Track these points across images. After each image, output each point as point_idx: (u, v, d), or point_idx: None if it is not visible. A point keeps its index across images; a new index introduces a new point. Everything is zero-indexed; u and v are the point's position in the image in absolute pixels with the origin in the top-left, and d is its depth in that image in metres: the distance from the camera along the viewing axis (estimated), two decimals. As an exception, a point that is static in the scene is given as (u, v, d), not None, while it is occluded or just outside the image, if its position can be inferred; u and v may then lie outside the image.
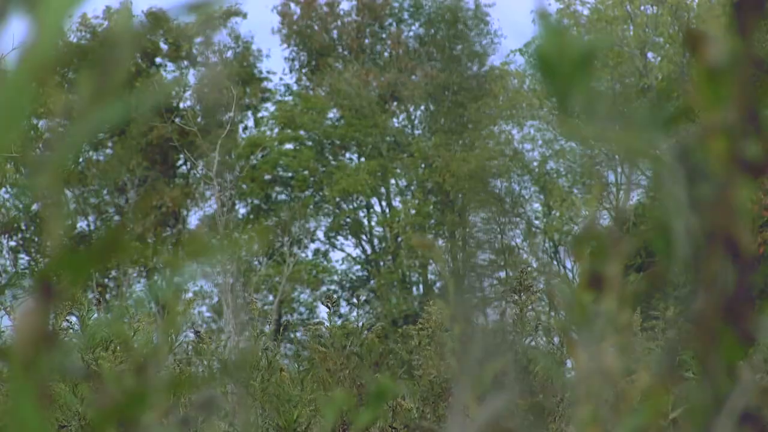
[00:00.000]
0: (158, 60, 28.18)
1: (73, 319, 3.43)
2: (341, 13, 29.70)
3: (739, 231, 0.66)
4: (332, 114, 29.18)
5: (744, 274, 0.66)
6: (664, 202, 0.67)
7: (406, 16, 29.82)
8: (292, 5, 29.71)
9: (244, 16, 28.79)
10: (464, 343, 1.03)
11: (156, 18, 25.36)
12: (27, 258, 24.39)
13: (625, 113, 0.67)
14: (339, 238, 29.52)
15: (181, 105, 25.68)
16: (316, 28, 29.63)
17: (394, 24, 29.82)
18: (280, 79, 33.40)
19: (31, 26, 0.60)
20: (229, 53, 28.58)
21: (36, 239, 24.55)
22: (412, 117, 29.00)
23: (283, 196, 29.02)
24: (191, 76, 26.85)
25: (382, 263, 28.44)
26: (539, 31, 0.67)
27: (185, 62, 27.59)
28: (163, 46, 27.93)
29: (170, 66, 28.26)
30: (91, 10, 26.96)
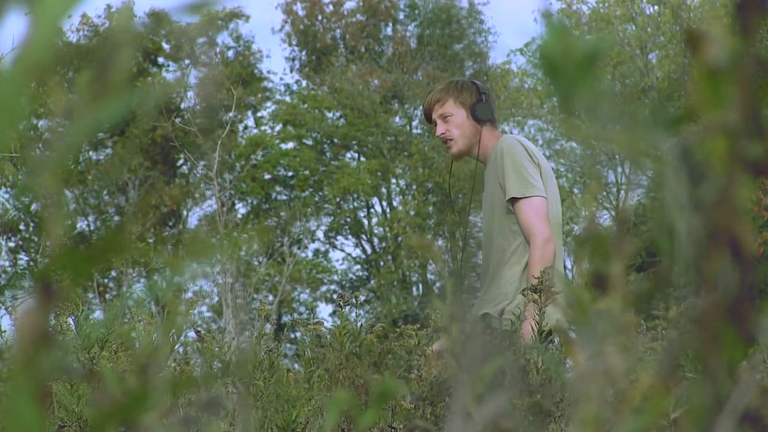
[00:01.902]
0: (160, 60, 28.19)
1: (71, 319, 3.43)
2: (345, 12, 29.72)
3: (740, 231, 0.66)
4: (333, 113, 29.19)
5: (745, 274, 0.66)
6: (665, 202, 0.67)
7: (401, 16, 29.85)
8: (295, 5, 29.72)
9: (247, 18, 28.81)
10: (463, 342, 1.03)
11: (158, 18, 25.35)
12: (26, 258, 24.40)
13: (627, 113, 0.67)
14: (339, 238, 29.54)
15: (182, 105, 25.69)
16: (319, 27, 29.64)
17: (391, 24, 29.85)
18: (281, 78, 33.45)
19: (30, 26, 0.60)
20: (231, 53, 28.60)
21: (35, 239, 24.56)
22: (412, 117, 29.00)
23: (283, 196, 29.03)
24: (192, 77, 26.88)
25: (382, 263, 28.46)
26: (543, 30, 0.67)
27: (187, 62, 27.61)
28: (165, 46, 27.95)
29: (172, 66, 28.29)
30: (93, 10, 26.97)
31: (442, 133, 4.22)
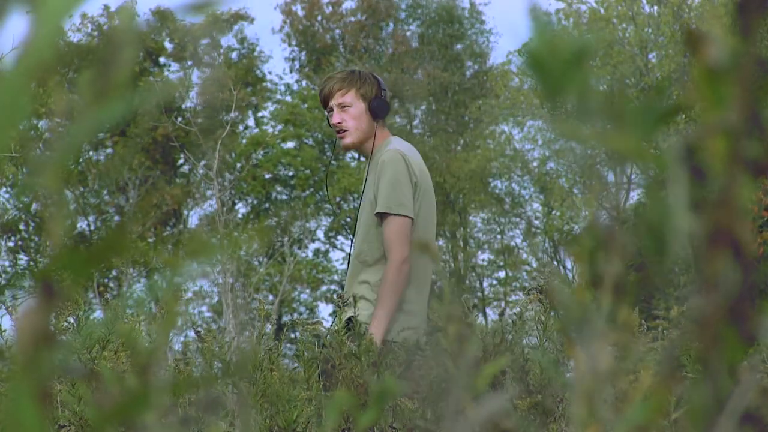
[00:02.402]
0: (162, 60, 28.19)
1: (72, 319, 3.44)
2: (344, 12, 29.72)
3: (740, 231, 0.66)
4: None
5: (745, 274, 0.66)
6: (664, 201, 0.67)
7: (402, 15, 29.85)
8: (294, 6, 29.73)
9: (251, 21, 28.78)
10: (461, 342, 1.03)
11: (162, 17, 25.35)
12: (26, 258, 24.41)
13: (619, 111, 0.67)
14: (339, 237, 29.54)
15: (184, 105, 25.71)
16: (318, 27, 29.64)
17: (392, 24, 29.85)
18: (281, 78, 33.44)
19: (31, 26, 0.60)
20: (234, 55, 28.60)
21: (35, 240, 24.56)
22: (412, 117, 29.00)
23: (283, 196, 29.03)
24: (194, 77, 26.87)
25: (382, 263, 28.37)
26: (531, 29, 0.67)
27: (189, 62, 27.60)
28: (168, 46, 27.94)
29: (174, 66, 28.28)
30: (96, 10, 26.97)
31: (338, 122, 4.21)
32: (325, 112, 4.35)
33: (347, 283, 4.13)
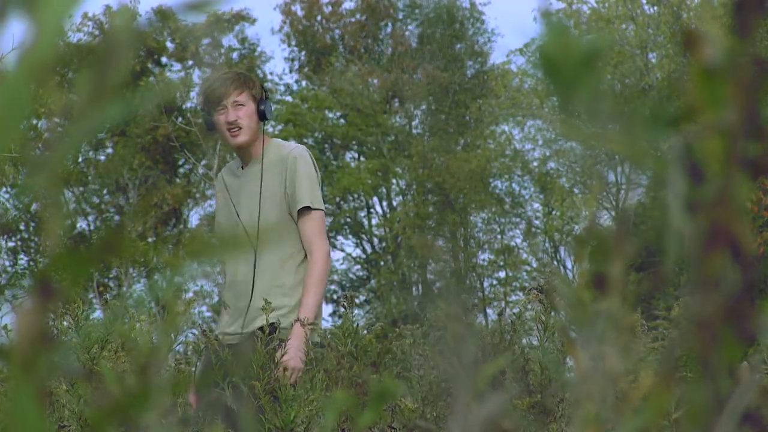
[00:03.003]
0: (163, 60, 28.17)
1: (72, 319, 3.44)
2: (343, 12, 29.72)
3: (739, 231, 0.66)
4: (333, 113, 29.20)
5: (745, 274, 0.66)
6: (665, 202, 0.67)
7: (401, 16, 29.84)
8: (294, 6, 29.73)
9: (253, 22, 28.75)
10: (459, 342, 1.03)
11: (164, 16, 25.32)
12: (26, 259, 24.39)
13: (627, 113, 0.67)
14: (339, 238, 29.53)
15: (184, 105, 25.68)
16: (317, 27, 29.64)
17: (390, 24, 29.84)
18: (281, 78, 33.44)
19: (31, 26, 0.60)
20: (235, 55, 28.57)
21: (35, 240, 24.56)
22: (412, 117, 29.00)
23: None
24: (196, 77, 26.84)
25: (382, 263, 28.45)
26: (542, 30, 0.67)
27: (190, 62, 27.58)
28: (170, 46, 27.92)
29: (175, 65, 28.26)
30: (97, 8, 26.97)
31: (235, 120, 4.21)
32: (209, 112, 4.30)
33: (258, 285, 4.08)
